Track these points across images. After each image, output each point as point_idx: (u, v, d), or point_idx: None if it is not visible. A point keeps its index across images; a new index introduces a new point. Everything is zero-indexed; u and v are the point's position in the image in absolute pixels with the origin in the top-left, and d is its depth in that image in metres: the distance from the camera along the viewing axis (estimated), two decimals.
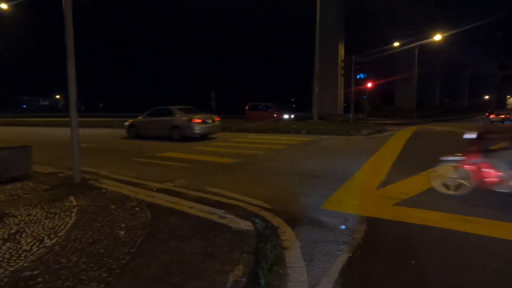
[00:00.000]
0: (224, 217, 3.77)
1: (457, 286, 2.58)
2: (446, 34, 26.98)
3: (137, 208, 4.15)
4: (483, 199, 4.80)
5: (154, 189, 5.23)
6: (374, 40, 39.98)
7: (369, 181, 5.96)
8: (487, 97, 72.68)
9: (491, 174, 4.58)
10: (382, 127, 17.75)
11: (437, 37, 25.65)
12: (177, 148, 10.61)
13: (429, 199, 4.83)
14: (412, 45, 32.34)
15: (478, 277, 2.69)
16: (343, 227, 3.76)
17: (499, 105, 62.99)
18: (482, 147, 4.89)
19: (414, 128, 19.79)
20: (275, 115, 25.14)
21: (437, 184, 5.17)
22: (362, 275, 2.76)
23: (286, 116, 26.54)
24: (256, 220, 3.61)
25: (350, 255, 3.08)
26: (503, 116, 39.51)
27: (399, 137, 13.65)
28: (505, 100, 65.02)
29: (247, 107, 26.96)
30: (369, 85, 28.93)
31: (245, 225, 3.52)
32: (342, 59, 27.79)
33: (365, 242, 3.38)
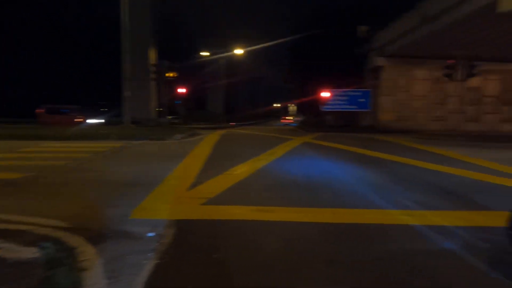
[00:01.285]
0: None
1: (249, 269, 2.94)
2: (246, 49, 31.09)
3: None
4: (277, 192, 5.75)
5: None
6: (187, 48, 41.68)
7: (180, 184, 6.11)
8: (278, 105, 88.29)
9: None
10: (194, 131, 18.68)
11: (239, 51, 29.19)
12: None
13: (232, 195, 5.38)
14: (219, 55, 35.58)
15: (266, 257, 3.17)
16: (151, 234, 3.68)
17: (286, 111, 77.67)
18: None
19: (222, 131, 21.80)
20: (78, 120, 22.33)
21: None
22: (169, 279, 2.76)
23: (93, 121, 24.04)
24: (46, 245, 3.05)
25: (158, 261, 3.04)
26: (290, 119, 49.48)
27: (209, 140, 14.69)
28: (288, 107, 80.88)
29: (43, 110, 22.81)
30: (183, 90, 29.93)
31: (30, 253, 2.91)
32: (154, 63, 27.55)
33: (173, 245, 3.41)
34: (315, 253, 3.27)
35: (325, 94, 24.86)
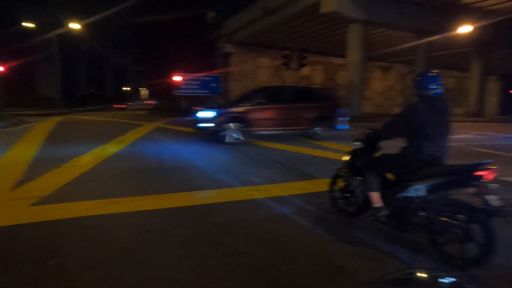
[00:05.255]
0: None
1: (96, 267, 2.68)
2: (83, 23, 27.28)
3: None
4: (127, 181, 5.35)
5: None
6: (4, 14, 33.49)
7: (1, 183, 5.00)
8: (128, 88, 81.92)
9: None
10: (20, 119, 15.52)
11: (75, 25, 25.37)
12: None
13: (73, 190, 4.75)
14: (51, 32, 30.25)
15: (117, 252, 2.95)
16: None
17: (137, 95, 73.08)
18: None
19: (59, 118, 18.86)
20: None
21: None
22: None
23: None
24: None
25: None
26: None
27: (40, 129, 12.48)
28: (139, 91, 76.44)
29: None
30: (0, 68, 24.23)
31: None
32: None
33: None
34: (167, 238, 3.23)
35: (178, 78, 24.48)
